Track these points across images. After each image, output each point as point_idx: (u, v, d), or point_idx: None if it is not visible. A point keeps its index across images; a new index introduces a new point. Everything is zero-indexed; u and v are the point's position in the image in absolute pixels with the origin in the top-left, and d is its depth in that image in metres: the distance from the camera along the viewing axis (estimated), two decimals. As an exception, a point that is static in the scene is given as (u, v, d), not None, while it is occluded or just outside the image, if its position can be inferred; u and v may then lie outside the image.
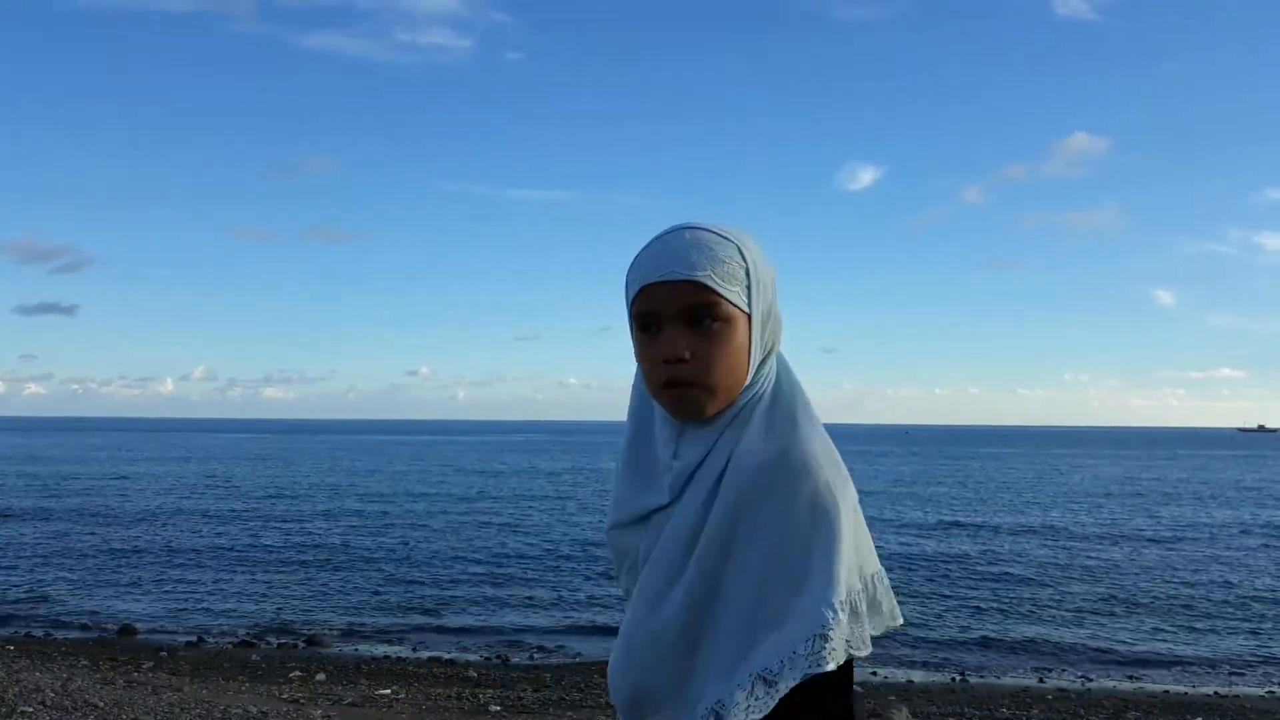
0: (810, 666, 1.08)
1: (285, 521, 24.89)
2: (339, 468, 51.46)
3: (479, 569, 17.52)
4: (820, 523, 1.11)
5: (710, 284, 1.17)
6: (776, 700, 1.09)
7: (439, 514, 27.35)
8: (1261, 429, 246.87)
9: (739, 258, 1.20)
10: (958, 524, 25.35)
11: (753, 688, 1.09)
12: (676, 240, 1.20)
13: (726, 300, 1.18)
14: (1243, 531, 24.79)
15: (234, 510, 27.58)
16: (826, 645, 1.09)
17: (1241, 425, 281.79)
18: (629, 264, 1.26)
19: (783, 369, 1.27)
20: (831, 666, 1.09)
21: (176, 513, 26.68)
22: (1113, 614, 14.19)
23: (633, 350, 1.27)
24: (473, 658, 11.23)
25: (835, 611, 1.09)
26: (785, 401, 1.23)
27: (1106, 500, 33.88)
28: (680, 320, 1.19)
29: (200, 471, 46.37)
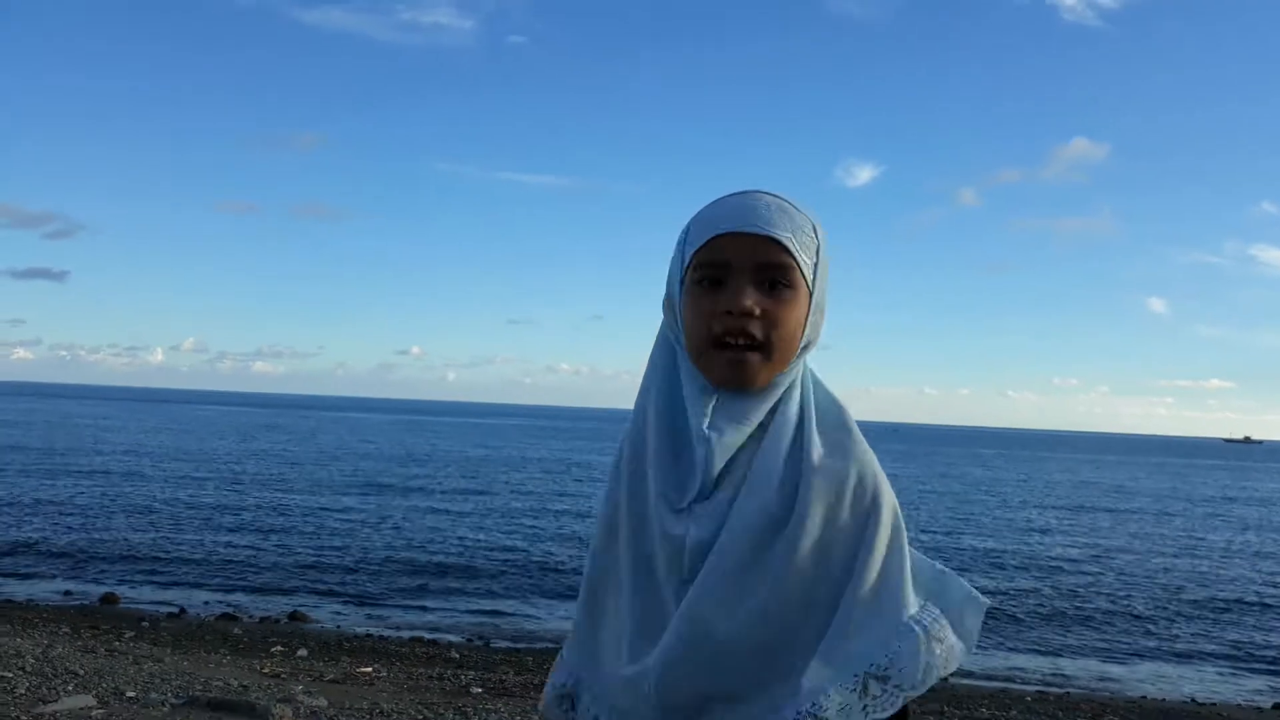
0: (924, 676, 1.09)
1: (272, 497, 24.86)
2: (327, 445, 51.38)
3: (463, 551, 17.53)
4: (900, 546, 1.14)
5: (790, 247, 1.13)
6: (898, 705, 1.09)
7: (425, 495, 27.35)
8: (1248, 440, 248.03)
9: (813, 232, 1.17)
10: (941, 525, 25.45)
11: (865, 686, 1.08)
12: (758, 198, 1.16)
13: (799, 269, 1.15)
14: (1224, 542, 24.96)
15: (221, 483, 27.53)
16: (936, 654, 1.11)
17: (1228, 436, 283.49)
18: (695, 214, 1.20)
19: (814, 373, 1.23)
20: (941, 673, 1.10)
21: (162, 484, 26.63)
22: (1091, 619, 14.28)
23: (676, 307, 1.19)
24: (455, 639, 11.25)
25: (935, 623, 1.13)
26: (833, 407, 1.20)
27: (1089, 507, 34.06)
28: (752, 276, 1.14)
29: (187, 444, 46.25)
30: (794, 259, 1.14)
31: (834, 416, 1.18)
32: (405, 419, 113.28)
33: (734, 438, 1.13)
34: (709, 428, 1.13)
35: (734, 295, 1.12)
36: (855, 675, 1.08)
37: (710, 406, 1.15)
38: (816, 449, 1.14)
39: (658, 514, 1.15)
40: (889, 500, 1.15)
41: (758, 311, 1.12)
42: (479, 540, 18.88)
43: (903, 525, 1.16)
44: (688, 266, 1.17)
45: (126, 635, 9.83)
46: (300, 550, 16.86)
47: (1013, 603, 14.91)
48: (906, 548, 1.15)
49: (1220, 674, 11.76)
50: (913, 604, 1.13)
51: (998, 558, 19.65)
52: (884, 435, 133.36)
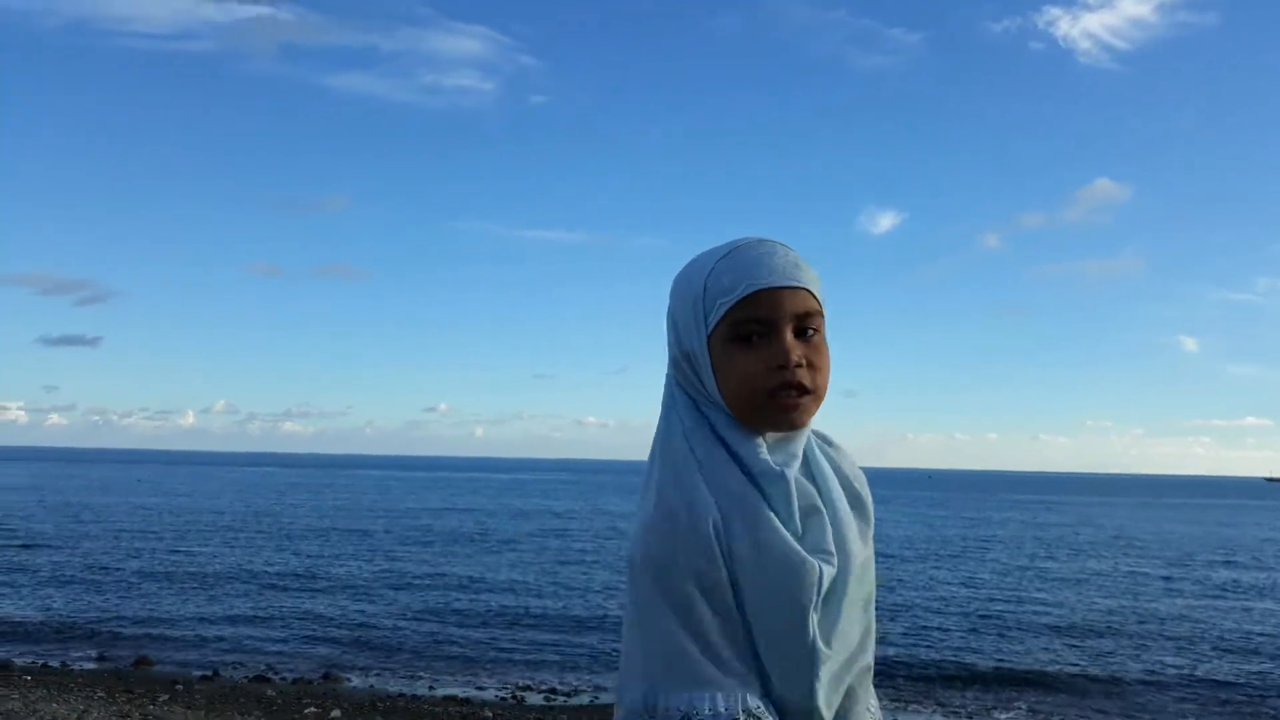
0: None
1: (304, 556, 24.89)
2: (358, 503, 51.47)
3: (496, 607, 17.42)
4: None
5: (817, 294, 1.21)
6: None
7: (457, 551, 27.28)
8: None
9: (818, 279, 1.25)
10: (976, 570, 25.04)
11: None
12: (777, 249, 1.21)
13: (823, 315, 1.22)
14: (1263, 588, 24.37)
15: (253, 544, 27.61)
16: None
17: (1268, 475, 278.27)
18: (704, 267, 1.21)
19: None
20: None
21: (193, 546, 26.75)
22: (1126, 669, 13.93)
23: (701, 361, 1.19)
24: (488, 697, 11.16)
25: None
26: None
27: (1125, 551, 33.40)
28: (793, 328, 1.18)
29: (219, 504, 46.50)
30: (820, 306, 1.21)
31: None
32: (434, 475, 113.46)
33: (795, 470, 1.19)
34: (778, 465, 1.17)
35: (784, 349, 1.16)
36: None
37: (763, 448, 1.18)
38: (847, 466, 1.29)
39: (781, 545, 1.12)
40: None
41: (805, 362, 1.17)
42: (511, 597, 18.76)
43: None
44: (718, 321, 1.17)
45: (161, 699, 9.82)
46: (333, 610, 16.83)
47: (1041, 647, 14.56)
48: None
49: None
50: None
51: (1033, 605, 19.25)
52: (919, 482, 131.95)
